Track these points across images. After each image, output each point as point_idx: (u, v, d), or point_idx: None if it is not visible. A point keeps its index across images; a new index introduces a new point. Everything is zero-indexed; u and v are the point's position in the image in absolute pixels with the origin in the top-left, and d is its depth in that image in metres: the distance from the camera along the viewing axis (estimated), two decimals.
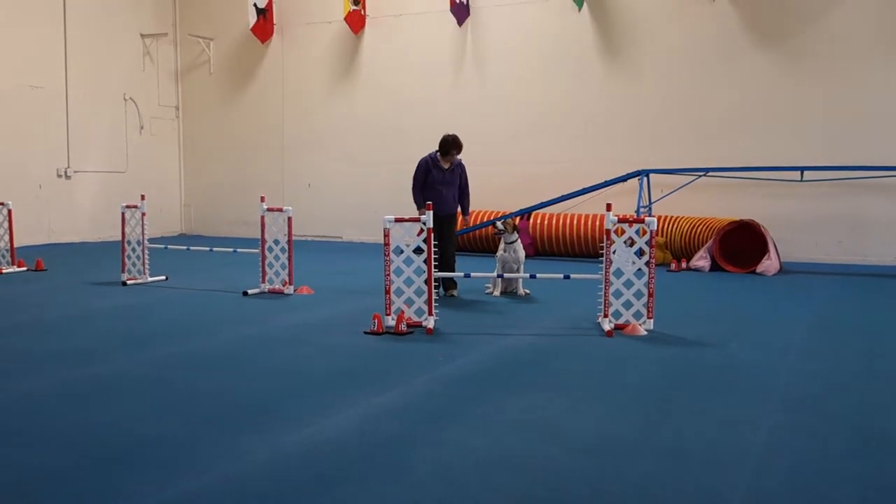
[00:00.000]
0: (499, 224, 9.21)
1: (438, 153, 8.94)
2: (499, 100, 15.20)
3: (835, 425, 4.42)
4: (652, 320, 7.07)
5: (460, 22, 15.32)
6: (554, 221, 13.59)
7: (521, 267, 9.21)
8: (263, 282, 9.29)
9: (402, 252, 7.19)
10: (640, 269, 7.10)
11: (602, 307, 7.14)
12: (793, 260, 12.71)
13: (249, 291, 9.15)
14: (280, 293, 9.16)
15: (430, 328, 6.96)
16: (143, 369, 5.64)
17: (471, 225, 11.33)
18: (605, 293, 7.11)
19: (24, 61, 15.17)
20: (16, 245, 11.64)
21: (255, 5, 16.87)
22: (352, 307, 8.22)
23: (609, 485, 3.56)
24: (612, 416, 4.58)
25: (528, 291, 9.22)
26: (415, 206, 8.90)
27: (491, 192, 15.06)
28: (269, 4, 17.08)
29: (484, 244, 14.10)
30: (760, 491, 3.50)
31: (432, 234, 7.14)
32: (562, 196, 13.31)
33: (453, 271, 8.75)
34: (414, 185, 8.98)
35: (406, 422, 4.43)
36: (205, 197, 18.53)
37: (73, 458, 3.87)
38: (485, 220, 14.01)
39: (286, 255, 9.18)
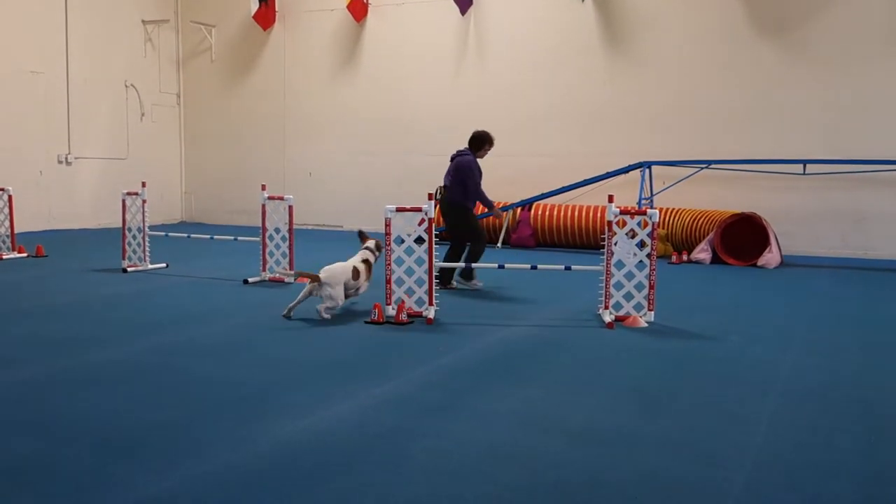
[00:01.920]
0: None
1: (472, 150, 8.85)
2: (501, 90, 15.15)
3: (835, 419, 4.42)
4: (653, 312, 7.06)
5: (463, 11, 15.25)
6: (555, 213, 13.56)
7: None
8: (264, 270, 9.28)
9: (402, 242, 7.17)
10: (641, 261, 7.09)
11: (603, 299, 7.13)
12: (794, 253, 12.68)
13: (250, 280, 9.14)
14: (280, 282, 9.14)
15: (430, 318, 6.95)
16: (143, 357, 5.64)
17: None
18: (605, 285, 7.10)
19: (25, 46, 15.11)
20: (16, 231, 11.63)
21: None
22: None
23: (609, 476, 3.55)
24: (613, 408, 4.57)
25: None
26: (480, 207, 9.16)
27: (492, 183, 14.98)
28: None
29: (487, 235, 14.08)
30: (760, 483, 3.49)
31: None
32: (563, 187, 13.29)
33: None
34: (479, 184, 8.76)
35: (406, 412, 4.43)
36: (205, 185, 18.50)
37: (73, 445, 3.87)
38: (485, 210, 13.98)
39: (287, 243, 9.17)
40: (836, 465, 3.73)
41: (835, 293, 9.19)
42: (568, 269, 7.85)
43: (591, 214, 13.25)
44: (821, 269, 11.37)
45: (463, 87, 15.49)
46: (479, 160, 8.91)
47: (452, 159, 9.00)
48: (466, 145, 8.99)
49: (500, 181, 14.88)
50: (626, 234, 7.11)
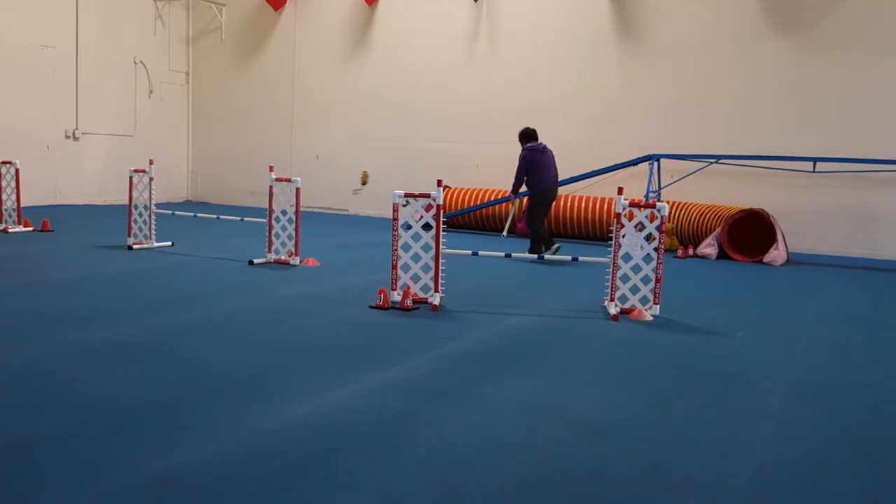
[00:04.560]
0: None
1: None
2: (511, 78, 15.08)
3: (841, 418, 4.41)
4: (658, 306, 7.04)
5: None
6: (562, 203, 13.51)
7: None
8: (269, 252, 9.28)
9: (409, 227, 7.16)
10: (648, 254, 7.06)
11: (609, 291, 7.12)
12: (801, 251, 12.65)
13: (255, 261, 9.14)
14: (286, 264, 9.14)
15: (435, 305, 6.94)
16: (147, 335, 5.64)
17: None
18: (612, 277, 7.08)
19: (36, 20, 15.07)
20: (22, 205, 11.63)
21: None
22: (357, 281, 8.21)
23: (613, 468, 3.55)
24: (617, 400, 4.56)
25: None
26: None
27: (501, 172, 15.00)
28: None
29: (492, 223, 14.07)
30: (765, 480, 3.49)
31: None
32: (571, 178, 13.24)
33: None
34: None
35: (410, 398, 4.42)
36: (212, 164, 18.48)
37: (76, 422, 3.87)
38: (492, 198, 13.97)
39: (293, 225, 9.16)
40: (841, 463, 3.72)
41: (841, 292, 9.16)
42: (575, 259, 7.83)
43: (598, 206, 13.21)
44: (827, 267, 11.34)
45: (473, 74, 15.42)
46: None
47: (544, 150, 10.77)
48: (523, 139, 10.98)
49: (508, 169, 14.86)
50: (635, 226, 7.08)
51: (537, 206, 10.69)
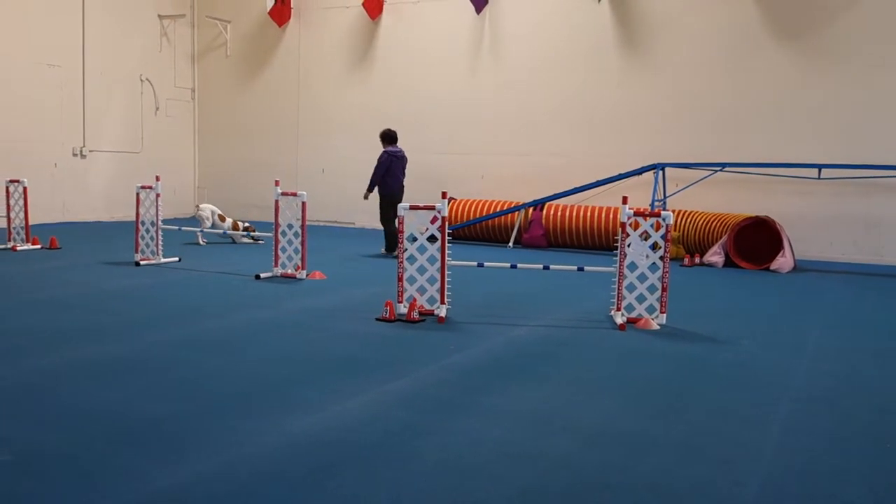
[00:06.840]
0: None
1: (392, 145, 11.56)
2: (514, 89, 15.13)
3: (848, 425, 4.39)
4: (665, 315, 7.03)
5: (478, 10, 15.24)
6: (567, 213, 13.53)
7: None
8: (276, 266, 9.30)
9: (415, 240, 7.17)
10: (654, 264, 7.06)
11: (615, 300, 7.11)
12: (807, 258, 12.62)
13: (262, 275, 9.16)
14: (292, 278, 9.16)
15: (441, 317, 6.94)
16: (154, 350, 5.66)
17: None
18: (618, 286, 7.07)
19: (42, 40, 15.20)
20: (30, 223, 11.69)
21: None
22: (364, 293, 8.22)
23: (620, 477, 3.54)
24: (624, 410, 4.56)
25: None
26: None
27: (504, 182, 15.04)
28: None
29: (498, 234, 14.07)
30: (773, 489, 3.47)
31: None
32: (576, 188, 13.26)
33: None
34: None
35: (416, 410, 4.43)
36: (218, 179, 18.55)
37: (83, 436, 3.88)
38: (498, 209, 13.98)
39: (299, 239, 9.18)
40: (848, 471, 3.71)
41: (848, 298, 9.13)
42: (580, 269, 7.82)
43: (602, 215, 13.21)
44: (834, 274, 11.30)
45: (477, 86, 15.48)
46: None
47: (401, 157, 11.62)
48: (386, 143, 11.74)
49: (513, 180, 14.92)
50: (640, 235, 7.08)
51: (388, 209, 11.47)
